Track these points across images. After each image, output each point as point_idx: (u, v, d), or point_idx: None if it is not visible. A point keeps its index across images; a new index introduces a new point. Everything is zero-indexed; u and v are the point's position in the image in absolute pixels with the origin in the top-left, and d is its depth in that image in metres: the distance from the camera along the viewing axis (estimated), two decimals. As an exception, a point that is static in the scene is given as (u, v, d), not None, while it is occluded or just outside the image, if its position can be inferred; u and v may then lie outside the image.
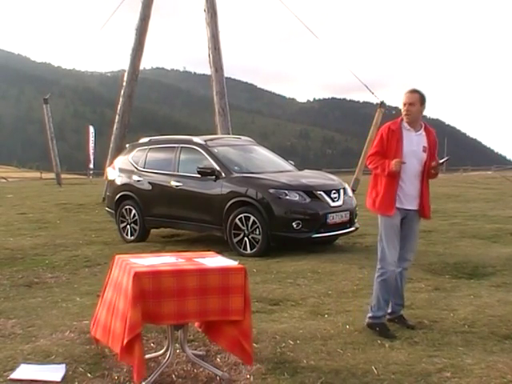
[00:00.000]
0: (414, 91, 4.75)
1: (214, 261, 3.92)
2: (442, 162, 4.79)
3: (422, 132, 4.79)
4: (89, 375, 3.80)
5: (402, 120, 4.77)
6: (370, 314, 4.77)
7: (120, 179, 10.13)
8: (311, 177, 9.16)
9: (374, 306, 4.79)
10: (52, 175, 30.56)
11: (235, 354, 3.85)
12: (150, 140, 10.26)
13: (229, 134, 14.25)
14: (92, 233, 10.62)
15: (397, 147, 4.68)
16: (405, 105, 4.71)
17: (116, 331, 3.69)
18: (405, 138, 4.71)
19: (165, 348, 4.01)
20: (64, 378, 3.76)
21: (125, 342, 3.46)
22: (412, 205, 4.76)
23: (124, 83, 16.74)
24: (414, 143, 4.72)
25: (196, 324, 4.27)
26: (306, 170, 9.80)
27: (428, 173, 4.79)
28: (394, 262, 4.75)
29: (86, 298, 5.87)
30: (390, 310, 4.91)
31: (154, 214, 9.50)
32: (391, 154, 4.68)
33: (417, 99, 4.68)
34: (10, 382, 3.72)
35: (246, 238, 8.31)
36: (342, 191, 8.65)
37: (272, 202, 8.19)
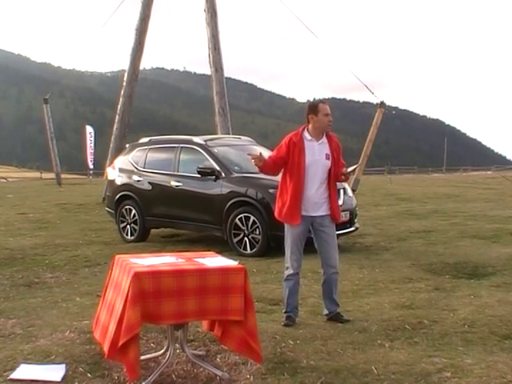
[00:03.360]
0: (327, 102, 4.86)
1: (214, 261, 3.92)
2: (353, 170, 4.88)
3: (324, 140, 4.87)
4: (89, 375, 3.80)
5: (303, 131, 4.86)
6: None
7: (120, 179, 10.13)
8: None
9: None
10: (52, 175, 30.61)
11: (244, 354, 3.85)
12: (150, 140, 10.26)
13: (229, 133, 14.25)
14: (92, 233, 10.62)
15: (299, 159, 4.75)
16: (328, 115, 4.79)
17: (110, 330, 3.68)
18: (307, 148, 4.79)
19: (165, 348, 4.01)
20: (64, 377, 3.76)
21: (121, 342, 3.45)
22: (319, 211, 4.83)
23: (124, 83, 16.76)
24: (317, 153, 4.80)
25: (204, 327, 4.26)
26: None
27: (335, 178, 4.88)
28: (296, 268, 4.92)
29: (86, 297, 5.87)
30: (326, 312, 5.01)
31: (154, 213, 9.50)
32: (295, 166, 4.76)
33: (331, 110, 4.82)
34: (10, 382, 3.72)
35: (246, 238, 8.31)
36: (341, 191, 8.63)
37: (272, 201, 8.16)
